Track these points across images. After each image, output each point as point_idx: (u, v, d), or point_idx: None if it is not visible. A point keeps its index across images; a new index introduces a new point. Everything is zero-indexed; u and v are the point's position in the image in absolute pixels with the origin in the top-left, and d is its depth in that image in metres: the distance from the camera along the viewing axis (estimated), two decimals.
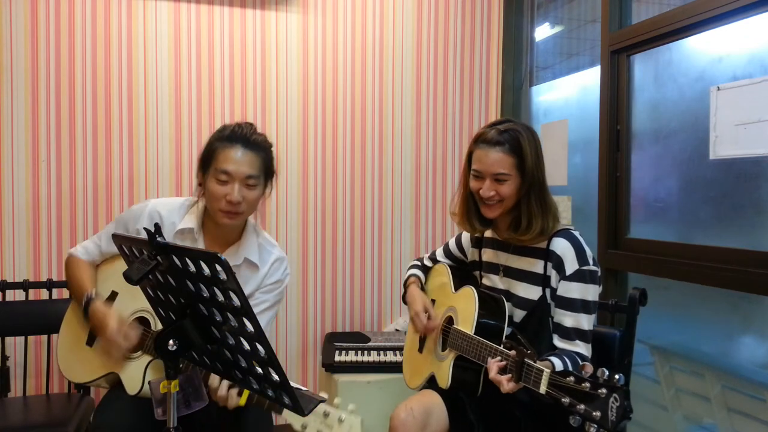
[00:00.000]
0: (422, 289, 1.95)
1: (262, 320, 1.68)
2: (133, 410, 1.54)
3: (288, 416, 1.29)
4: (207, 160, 1.61)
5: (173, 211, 1.68)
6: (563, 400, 1.20)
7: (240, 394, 1.37)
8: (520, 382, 1.33)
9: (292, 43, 2.81)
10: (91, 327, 1.60)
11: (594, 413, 1.13)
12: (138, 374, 1.53)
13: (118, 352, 1.49)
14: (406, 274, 2.01)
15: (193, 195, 1.69)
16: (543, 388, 1.26)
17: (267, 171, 1.65)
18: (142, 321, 1.64)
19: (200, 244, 1.65)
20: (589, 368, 1.19)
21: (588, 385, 1.16)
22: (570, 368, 1.42)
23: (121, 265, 1.72)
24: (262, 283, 1.71)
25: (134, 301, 1.64)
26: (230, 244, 1.69)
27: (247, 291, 1.68)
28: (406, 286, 1.96)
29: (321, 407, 1.29)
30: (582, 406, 1.16)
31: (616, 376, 1.13)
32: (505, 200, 1.62)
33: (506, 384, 1.36)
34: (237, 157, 1.57)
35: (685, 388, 2.10)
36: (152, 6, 2.63)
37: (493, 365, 1.41)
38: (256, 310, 1.64)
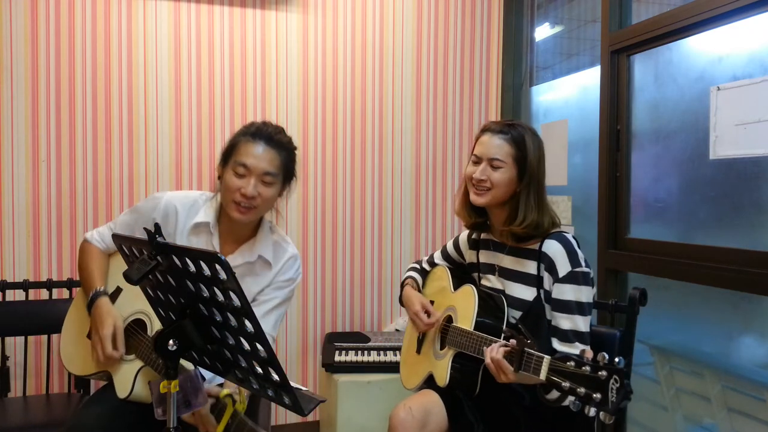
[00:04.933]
0: (419, 290, 1.95)
1: (272, 317, 1.69)
2: (112, 416, 1.54)
3: None
4: (228, 153, 1.62)
5: (188, 205, 1.69)
6: (563, 384, 1.20)
7: (218, 421, 1.34)
8: (521, 371, 1.33)
9: (292, 43, 2.81)
10: (91, 321, 1.62)
11: (594, 395, 1.13)
12: (129, 378, 1.53)
13: (103, 354, 1.52)
14: (403, 276, 2.01)
15: (214, 190, 1.69)
16: (543, 375, 1.26)
17: (286, 172, 1.65)
18: (139, 323, 1.64)
19: (215, 239, 1.66)
20: (589, 353, 1.20)
21: (588, 368, 1.16)
22: None
23: None
24: (274, 280, 1.72)
25: (135, 302, 1.64)
26: (245, 240, 1.69)
27: (258, 287, 1.69)
28: (401, 287, 1.96)
29: None
30: (582, 389, 1.16)
31: (617, 359, 1.13)
32: (494, 188, 1.63)
33: (505, 367, 1.37)
34: (257, 152, 1.58)
35: (685, 388, 2.10)
36: (152, 6, 2.63)
37: (497, 347, 1.41)
38: (267, 306, 1.67)
